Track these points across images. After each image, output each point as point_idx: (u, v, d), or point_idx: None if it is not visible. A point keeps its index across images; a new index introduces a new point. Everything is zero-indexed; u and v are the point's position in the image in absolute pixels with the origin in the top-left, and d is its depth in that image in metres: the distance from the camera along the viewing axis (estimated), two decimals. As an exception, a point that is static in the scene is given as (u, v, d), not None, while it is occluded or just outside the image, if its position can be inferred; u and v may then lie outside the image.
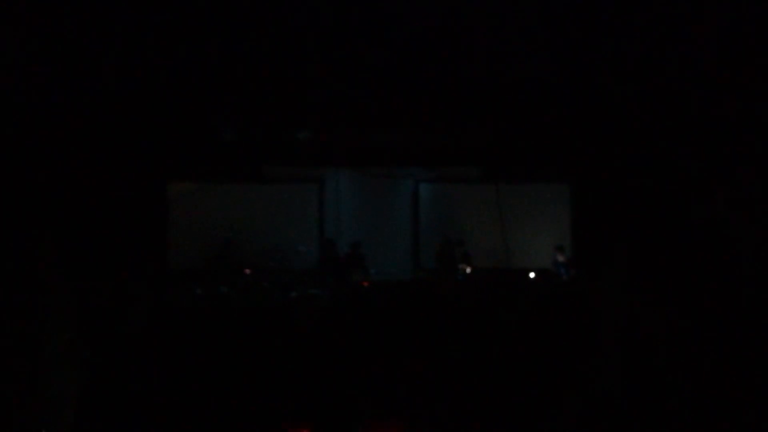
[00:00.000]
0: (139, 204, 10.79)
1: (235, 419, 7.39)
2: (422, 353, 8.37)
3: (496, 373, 7.95)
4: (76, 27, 7.33)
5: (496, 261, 11.40)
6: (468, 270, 10.56)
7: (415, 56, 8.19)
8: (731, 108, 7.85)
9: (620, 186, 9.52)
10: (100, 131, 9.20)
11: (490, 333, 8.78)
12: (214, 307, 9.51)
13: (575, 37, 7.71)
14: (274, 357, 8.30)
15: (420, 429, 7.23)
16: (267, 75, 8.68)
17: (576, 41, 7.79)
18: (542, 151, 11.19)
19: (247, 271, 11.07)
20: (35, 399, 6.09)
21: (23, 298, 6.47)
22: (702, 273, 7.27)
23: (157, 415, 7.32)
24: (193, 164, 11.31)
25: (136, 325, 8.50)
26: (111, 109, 9.01)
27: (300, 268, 10.88)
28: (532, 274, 10.81)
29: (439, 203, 11.96)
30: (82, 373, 6.66)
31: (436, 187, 12.00)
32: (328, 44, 7.89)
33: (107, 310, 8.31)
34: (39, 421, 5.91)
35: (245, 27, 7.53)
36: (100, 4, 7.13)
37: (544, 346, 8.23)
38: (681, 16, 7.17)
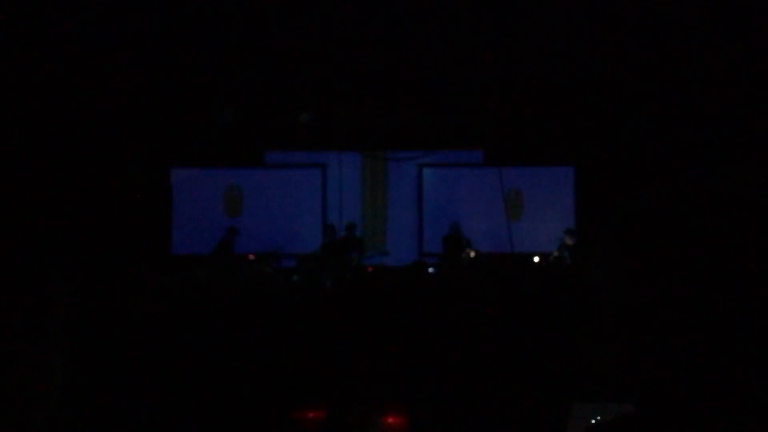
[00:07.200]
0: (143, 190, 10.80)
1: (238, 406, 7.41)
2: (428, 339, 8.37)
3: (498, 359, 7.94)
4: (80, 16, 7.30)
5: (500, 245, 11.35)
6: (472, 254, 10.53)
7: (419, 39, 8.14)
8: (733, 91, 7.79)
9: (626, 168, 9.47)
10: (103, 119, 9.19)
11: (494, 317, 8.77)
12: (220, 293, 9.52)
13: (580, 19, 7.65)
14: (281, 342, 8.32)
15: (425, 414, 7.24)
16: (268, 60, 8.65)
17: (581, 22, 7.72)
18: (546, 134, 11.13)
19: (252, 256, 11.08)
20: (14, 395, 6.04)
21: (21, 290, 6.44)
22: (709, 258, 7.24)
23: (160, 402, 7.34)
24: (195, 150, 11.32)
25: (140, 312, 8.51)
26: (113, 97, 8.99)
27: (305, 252, 10.89)
28: (536, 258, 10.75)
29: (442, 187, 11.92)
30: (66, 369, 6.60)
31: (439, 171, 11.96)
32: (330, 28, 7.84)
33: (110, 297, 8.33)
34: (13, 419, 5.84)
35: (245, 12, 7.49)
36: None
37: (546, 330, 8.21)
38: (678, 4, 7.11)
